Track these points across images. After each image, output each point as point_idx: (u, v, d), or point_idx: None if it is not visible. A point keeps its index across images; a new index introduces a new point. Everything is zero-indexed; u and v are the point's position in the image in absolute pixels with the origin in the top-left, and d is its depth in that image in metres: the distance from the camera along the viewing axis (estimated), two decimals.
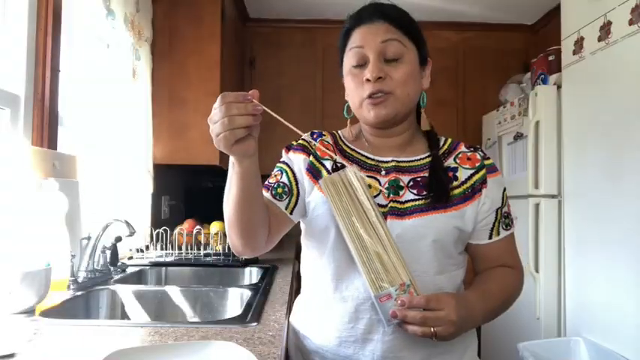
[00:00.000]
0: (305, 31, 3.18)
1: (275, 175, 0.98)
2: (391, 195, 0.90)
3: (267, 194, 0.95)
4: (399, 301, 0.78)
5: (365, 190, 0.85)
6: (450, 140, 1.01)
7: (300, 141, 0.99)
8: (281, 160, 1.01)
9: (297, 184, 0.96)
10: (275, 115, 0.77)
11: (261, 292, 1.26)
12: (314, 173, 0.95)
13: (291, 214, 0.95)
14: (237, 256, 1.60)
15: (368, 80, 0.89)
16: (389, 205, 0.89)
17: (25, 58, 1.27)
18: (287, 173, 0.97)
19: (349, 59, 0.94)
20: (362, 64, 0.91)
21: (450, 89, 3.19)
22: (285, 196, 0.95)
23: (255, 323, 0.95)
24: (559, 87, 2.26)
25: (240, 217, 0.85)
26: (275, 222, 0.94)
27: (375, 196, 0.89)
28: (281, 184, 0.96)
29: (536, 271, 2.25)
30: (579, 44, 2.07)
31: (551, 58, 2.42)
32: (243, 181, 0.80)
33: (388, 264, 0.80)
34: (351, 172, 0.87)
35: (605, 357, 1.83)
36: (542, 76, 2.45)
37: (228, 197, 0.84)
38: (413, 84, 0.92)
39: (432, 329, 0.77)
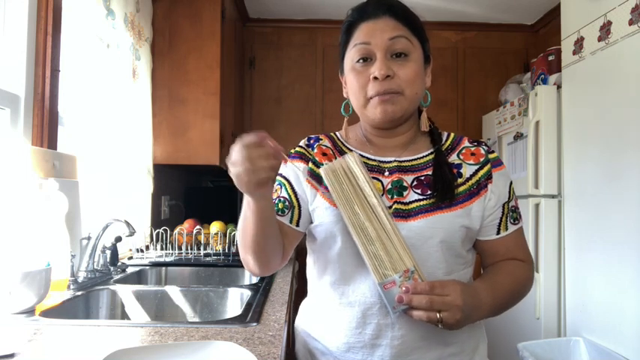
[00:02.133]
0: (305, 31, 3.18)
1: (276, 190, 0.96)
2: (395, 196, 0.88)
3: None
4: (403, 288, 0.77)
5: (365, 176, 0.83)
6: (452, 135, 0.97)
7: (297, 148, 0.96)
8: (279, 172, 0.97)
9: (295, 195, 0.93)
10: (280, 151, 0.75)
11: (261, 292, 1.26)
12: (315, 179, 0.93)
13: (297, 226, 0.93)
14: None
15: (375, 78, 0.86)
16: (393, 207, 0.87)
17: (25, 58, 1.27)
18: (285, 186, 0.95)
19: (353, 55, 0.90)
20: (366, 61, 0.88)
21: (450, 89, 3.19)
22: (287, 211, 0.93)
23: (255, 323, 0.96)
24: (559, 87, 2.26)
25: (255, 247, 0.84)
26: (285, 238, 0.92)
27: None
28: (281, 199, 0.94)
29: (536, 271, 2.25)
30: (579, 44, 2.07)
31: (551, 58, 2.42)
32: (259, 217, 0.80)
33: (391, 250, 0.79)
34: (351, 158, 0.85)
35: (605, 357, 1.83)
36: (542, 76, 2.45)
37: (244, 230, 0.83)
38: (420, 82, 0.90)
39: (437, 314, 0.75)
